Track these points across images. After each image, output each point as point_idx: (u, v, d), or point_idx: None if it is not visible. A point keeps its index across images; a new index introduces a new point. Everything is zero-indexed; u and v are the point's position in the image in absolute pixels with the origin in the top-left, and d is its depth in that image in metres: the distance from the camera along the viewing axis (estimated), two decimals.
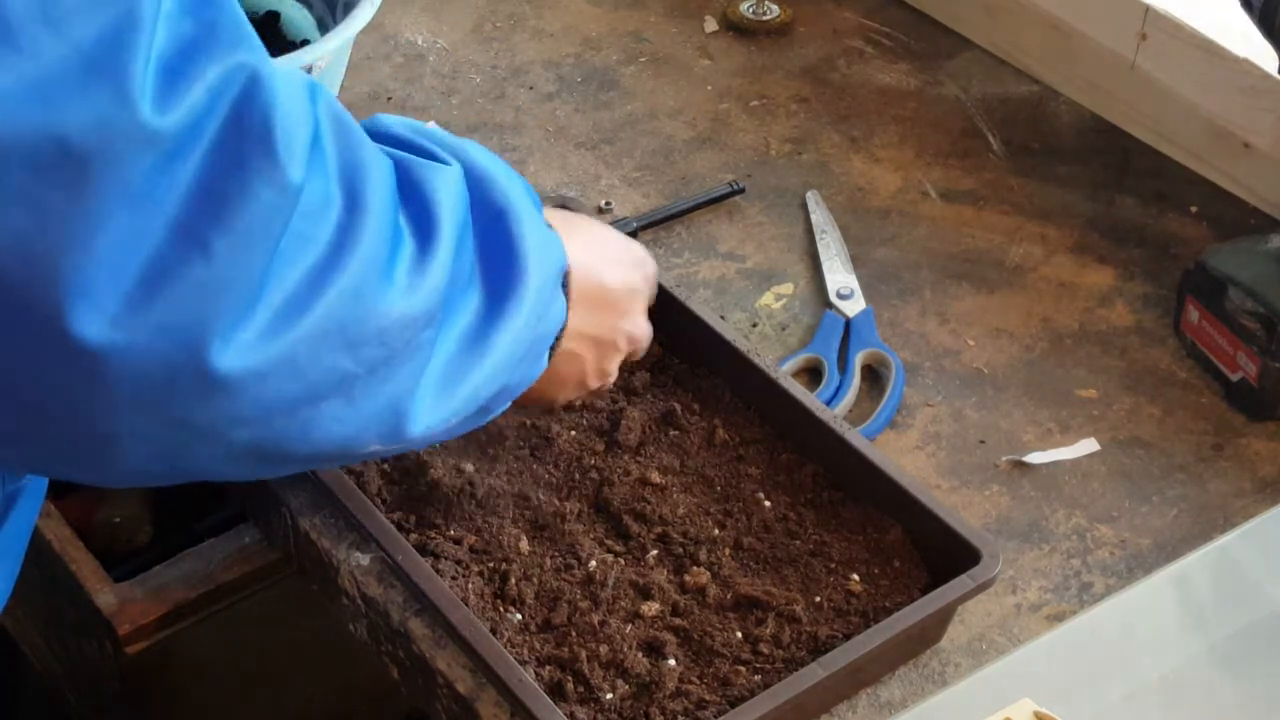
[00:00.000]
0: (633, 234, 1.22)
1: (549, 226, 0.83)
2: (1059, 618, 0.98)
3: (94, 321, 0.60)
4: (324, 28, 1.27)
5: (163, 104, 0.60)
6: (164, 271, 0.61)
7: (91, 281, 0.59)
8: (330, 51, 1.13)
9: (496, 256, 0.78)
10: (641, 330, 0.95)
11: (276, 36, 1.32)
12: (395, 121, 0.80)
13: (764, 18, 1.47)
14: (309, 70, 1.10)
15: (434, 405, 0.75)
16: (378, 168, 0.70)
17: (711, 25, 1.48)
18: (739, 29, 1.47)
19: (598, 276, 0.89)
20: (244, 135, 0.62)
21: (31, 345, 0.60)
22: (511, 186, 0.80)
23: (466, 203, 0.77)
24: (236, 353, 0.64)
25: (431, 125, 0.82)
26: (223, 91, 0.62)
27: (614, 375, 0.95)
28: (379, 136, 0.78)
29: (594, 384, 0.93)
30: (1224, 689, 0.94)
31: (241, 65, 0.63)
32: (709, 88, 1.41)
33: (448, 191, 0.75)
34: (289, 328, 0.65)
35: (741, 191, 1.28)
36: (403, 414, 0.74)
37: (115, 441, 0.65)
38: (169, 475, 0.70)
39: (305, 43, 1.27)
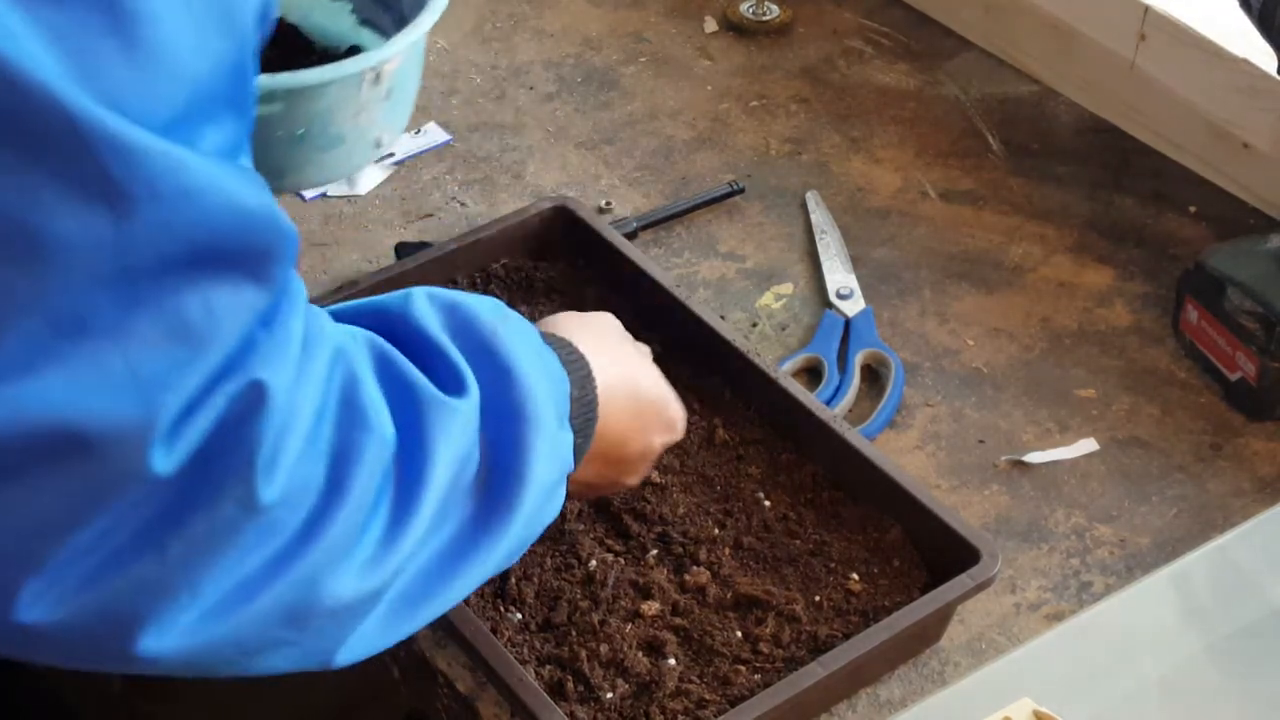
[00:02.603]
0: (632, 234, 1.22)
1: (566, 425, 0.80)
2: (1058, 617, 0.98)
3: (39, 602, 0.60)
4: (375, 28, 1.20)
5: (171, 443, 0.59)
6: (117, 565, 0.61)
7: (49, 568, 0.59)
8: (399, 53, 1.05)
9: (500, 462, 0.75)
10: (678, 411, 0.94)
11: (300, 44, 1.27)
12: (428, 315, 0.76)
13: (764, 18, 1.48)
14: (377, 78, 1.05)
15: (382, 634, 0.72)
16: (373, 449, 0.68)
17: (711, 25, 1.48)
18: (739, 29, 1.47)
19: (625, 383, 0.88)
20: (227, 460, 0.61)
21: None
22: (536, 386, 0.77)
23: (473, 440, 0.74)
24: (168, 638, 0.63)
25: (471, 305, 0.77)
26: (224, 419, 0.61)
27: (651, 465, 0.93)
28: (405, 335, 0.74)
29: (640, 472, 0.92)
30: (1223, 688, 0.94)
31: (253, 384, 0.62)
32: (709, 88, 1.41)
33: (449, 445, 0.72)
34: (230, 615, 0.64)
35: (741, 191, 1.29)
36: (340, 652, 0.71)
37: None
38: None
39: (354, 49, 1.19)
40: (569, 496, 0.83)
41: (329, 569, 0.67)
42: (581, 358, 0.84)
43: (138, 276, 0.57)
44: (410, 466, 0.70)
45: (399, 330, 0.75)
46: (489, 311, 0.78)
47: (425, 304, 0.77)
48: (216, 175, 0.58)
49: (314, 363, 0.65)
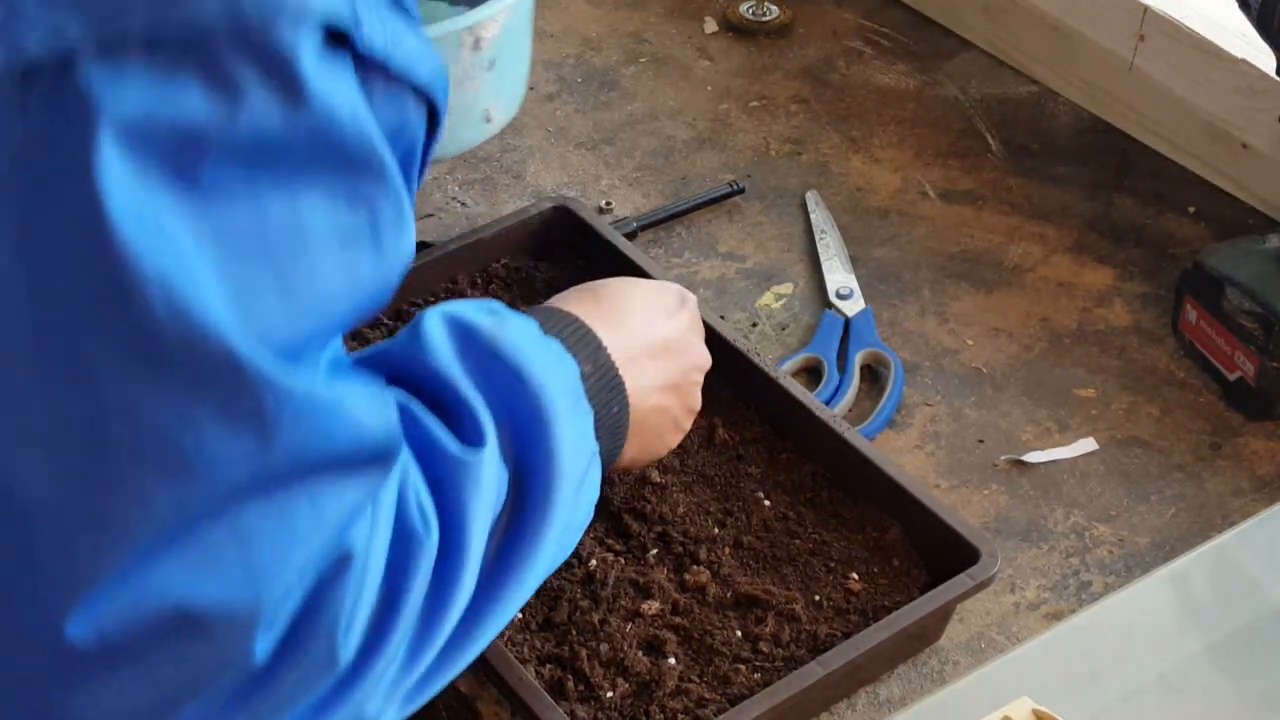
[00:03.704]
0: (632, 234, 1.22)
1: (582, 396, 0.81)
2: (1057, 616, 0.98)
3: None
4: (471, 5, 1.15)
5: (271, 624, 0.63)
6: None
7: None
8: (494, 16, 1.00)
9: (528, 472, 0.76)
10: (703, 355, 0.94)
11: None
12: (444, 352, 0.76)
13: (764, 18, 1.48)
14: (476, 43, 0.99)
15: (435, 681, 0.74)
16: (424, 561, 0.70)
17: (711, 26, 1.48)
18: (739, 30, 1.47)
19: (641, 336, 0.88)
20: (313, 626, 0.65)
21: None
22: (547, 382, 0.78)
23: (499, 479, 0.75)
24: None
25: (468, 318, 0.78)
26: (312, 589, 0.65)
27: (699, 404, 0.94)
28: (420, 375, 0.76)
29: (687, 421, 0.93)
30: (1222, 687, 0.94)
31: (340, 554, 0.65)
32: (709, 88, 1.41)
33: (481, 502, 0.73)
34: None
35: (741, 191, 1.29)
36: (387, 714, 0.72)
37: None
38: None
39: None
40: (622, 470, 0.86)
41: (374, 685, 0.69)
42: (589, 332, 0.85)
43: (263, 486, 0.62)
44: (451, 549, 0.72)
45: (414, 372, 0.76)
46: (486, 319, 0.79)
47: (437, 331, 0.77)
48: (347, 401, 0.64)
49: (383, 508, 0.68)
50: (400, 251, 0.67)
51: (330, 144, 0.61)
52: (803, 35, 1.48)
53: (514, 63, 1.13)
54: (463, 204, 1.27)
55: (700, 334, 0.95)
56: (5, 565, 0.59)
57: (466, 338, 0.77)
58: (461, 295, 1.13)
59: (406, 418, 0.73)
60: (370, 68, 0.63)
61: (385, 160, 0.64)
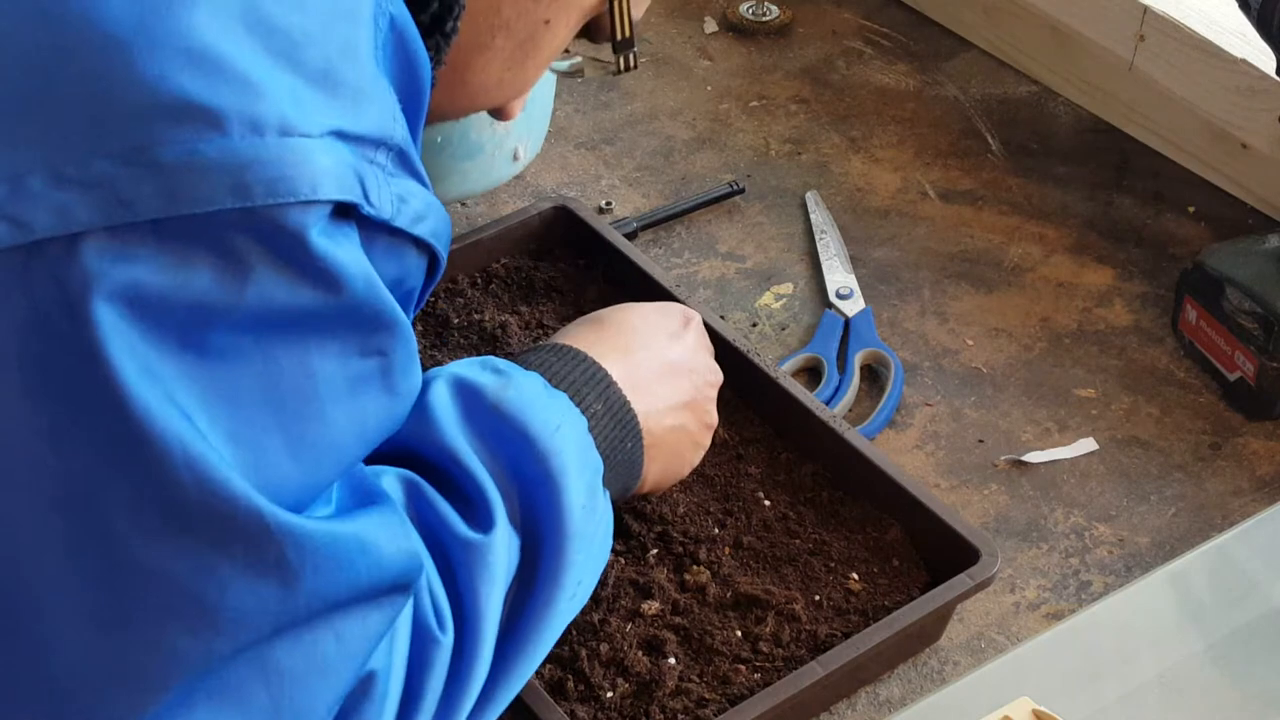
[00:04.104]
0: (632, 234, 1.22)
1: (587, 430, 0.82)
2: (1057, 616, 0.98)
3: None
4: None
5: None
6: None
7: None
8: None
9: (539, 539, 0.77)
10: (714, 370, 0.95)
11: None
12: (449, 422, 0.77)
13: (764, 18, 1.48)
14: None
15: None
16: (441, 657, 0.71)
17: (711, 26, 1.48)
18: (739, 30, 1.48)
19: (649, 360, 0.89)
20: None
21: None
22: (562, 448, 0.78)
23: (511, 558, 0.76)
24: None
25: (473, 380, 0.79)
26: (337, 713, 0.67)
27: (715, 419, 0.94)
28: (426, 450, 0.76)
29: (706, 438, 0.94)
30: (1222, 687, 0.94)
31: (366, 677, 0.67)
32: (709, 88, 1.41)
33: (493, 585, 0.74)
34: None
35: (741, 192, 1.29)
36: None
37: None
38: None
39: None
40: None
41: None
42: (597, 369, 0.85)
43: (290, 630, 0.63)
44: (467, 639, 0.73)
45: (421, 446, 0.76)
46: (490, 379, 0.79)
47: (441, 399, 0.77)
48: (366, 535, 0.65)
49: (402, 620, 0.70)
50: (411, 389, 0.68)
51: (343, 309, 0.62)
52: (803, 35, 1.48)
53: (543, 101, 1.14)
54: (462, 204, 1.27)
55: (709, 351, 0.96)
56: (30, 707, 0.60)
57: (471, 401, 0.77)
58: (461, 295, 1.13)
59: (416, 497, 0.73)
60: (374, 228, 0.64)
61: (397, 314, 0.65)
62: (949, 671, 0.95)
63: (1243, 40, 1.22)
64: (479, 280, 1.14)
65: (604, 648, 0.90)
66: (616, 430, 0.84)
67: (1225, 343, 1.11)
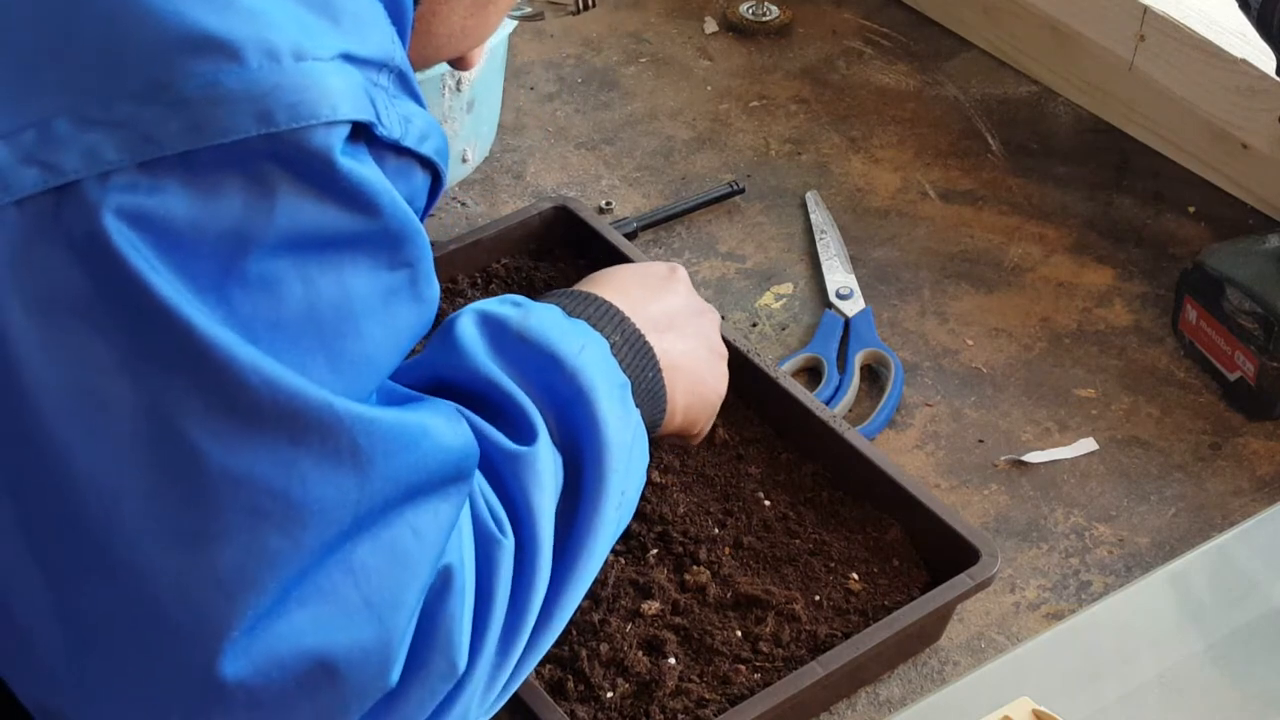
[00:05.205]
0: (632, 234, 1.22)
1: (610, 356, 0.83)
2: (1057, 616, 0.98)
3: None
4: None
5: (400, 654, 0.67)
6: None
7: None
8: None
9: (579, 450, 0.79)
10: (707, 306, 0.96)
11: None
12: (479, 351, 0.79)
13: (764, 18, 1.48)
14: (458, 85, 1.00)
15: (526, 664, 0.77)
16: (505, 558, 0.73)
17: (711, 26, 1.48)
18: (739, 30, 1.48)
19: (646, 306, 0.90)
20: (431, 645, 0.69)
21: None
22: (588, 364, 0.80)
23: (557, 464, 0.77)
24: None
25: (496, 313, 0.80)
26: (424, 612, 0.69)
27: (723, 347, 0.96)
28: (461, 380, 0.78)
29: (720, 364, 0.94)
30: (1222, 687, 0.94)
31: (443, 571, 0.69)
32: (709, 88, 1.41)
33: (543, 491, 0.76)
34: None
35: (741, 192, 1.29)
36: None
37: None
38: None
39: None
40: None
41: (476, 686, 0.72)
42: (609, 306, 0.87)
43: (368, 522, 0.66)
44: (526, 543, 0.75)
45: (455, 377, 0.78)
46: (512, 310, 0.81)
47: (468, 331, 0.79)
48: (427, 423, 0.69)
49: (465, 519, 0.71)
50: (434, 295, 0.70)
51: (372, 225, 0.65)
52: (803, 35, 1.48)
53: (490, 104, 1.14)
54: (462, 204, 1.27)
55: (696, 295, 0.97)
56: (141, 629, 0.62)
57: (497, 331, 0.79)
58: (462, 295, 1.13)
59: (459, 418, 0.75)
60: (384, 147, 0.66)
61: (418, 225, 0.67)
62: (949, 671, 0.95)
63: (1243, 40, 1.22)
64: (479, 280, 1.15)
65: (604, 648, 0.90)
66: (635, 359, 0.85)
67: (1225, 343, 1.11)
